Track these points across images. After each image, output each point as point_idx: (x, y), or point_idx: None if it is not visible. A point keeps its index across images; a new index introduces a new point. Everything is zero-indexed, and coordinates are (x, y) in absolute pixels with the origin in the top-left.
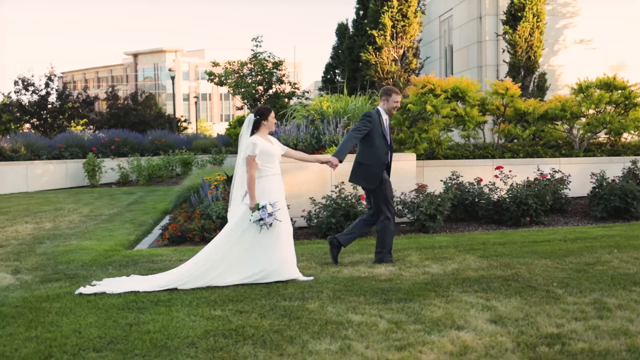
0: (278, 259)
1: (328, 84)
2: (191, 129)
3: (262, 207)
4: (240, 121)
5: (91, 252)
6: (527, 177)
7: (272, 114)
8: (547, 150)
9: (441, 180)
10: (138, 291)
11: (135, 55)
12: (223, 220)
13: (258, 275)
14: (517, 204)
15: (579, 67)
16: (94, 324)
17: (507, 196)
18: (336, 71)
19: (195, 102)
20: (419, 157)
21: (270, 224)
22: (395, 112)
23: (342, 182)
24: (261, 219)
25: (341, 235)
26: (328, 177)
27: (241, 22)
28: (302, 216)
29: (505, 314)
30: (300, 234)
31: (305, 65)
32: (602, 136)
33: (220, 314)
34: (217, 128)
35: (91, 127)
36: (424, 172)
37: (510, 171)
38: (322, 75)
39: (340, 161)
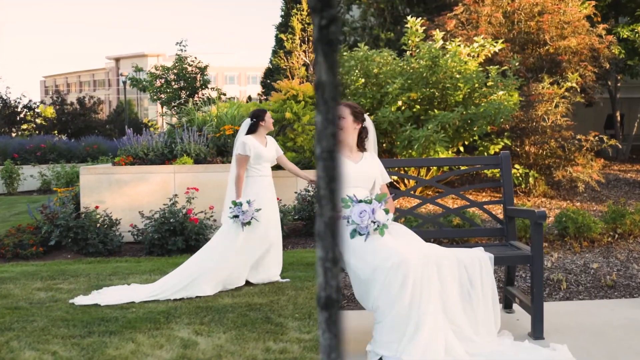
0: (262, 260)
1: (266, 89)
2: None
3: (239, 203)
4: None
5: None
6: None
7: (268, 115)
8: None
9: (295, 192)
10: (134, 301)
11: (117, 60)
12: (50, 235)
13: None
14: None
15: None
16: None
17: None
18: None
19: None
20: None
21: (249, 223)
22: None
23: (176, 195)
24: (236, 216)
25: None
26: (171, 189)
27: (228, 25)
28: (129, 231)
29: (191, 353)
30: (127, 249)
31: None
32: None
33: None
34: None
35: (37, 132)
36: (278, 182)
37: None
38: (261, 80)
39: None
